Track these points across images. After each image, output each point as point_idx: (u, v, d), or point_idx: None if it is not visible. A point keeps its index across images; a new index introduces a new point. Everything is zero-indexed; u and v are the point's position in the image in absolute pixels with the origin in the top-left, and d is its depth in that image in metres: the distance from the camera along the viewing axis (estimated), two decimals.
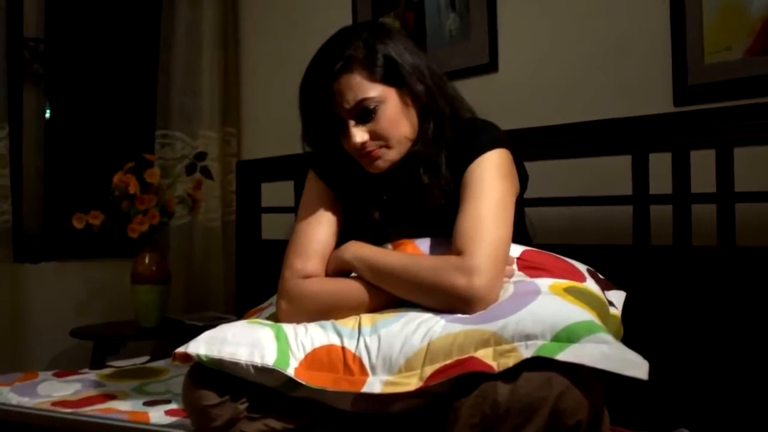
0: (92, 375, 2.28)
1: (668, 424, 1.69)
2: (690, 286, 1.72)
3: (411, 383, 1.26)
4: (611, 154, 1.94)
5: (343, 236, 1.59)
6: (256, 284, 2.79)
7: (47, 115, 3.50)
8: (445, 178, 1.51)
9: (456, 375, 1.21)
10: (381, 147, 1.48)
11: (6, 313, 3.09)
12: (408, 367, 1.28)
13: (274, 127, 3.26)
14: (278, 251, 1.60)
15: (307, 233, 1.57)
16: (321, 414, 1.38)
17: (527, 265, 1.47)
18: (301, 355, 1.36)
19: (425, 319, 1.33)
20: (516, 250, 1.50)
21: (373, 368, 1.31)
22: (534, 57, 2.41)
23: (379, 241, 1.54)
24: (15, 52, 3.23)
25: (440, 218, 1.49)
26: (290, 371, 1.33)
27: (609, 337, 1.19)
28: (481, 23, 2.55)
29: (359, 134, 1.47)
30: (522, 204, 1.63)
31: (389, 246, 1.53)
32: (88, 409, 1.87)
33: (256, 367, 1.35)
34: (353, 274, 1.50)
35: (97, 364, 2.88)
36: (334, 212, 1.60)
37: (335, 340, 1.37)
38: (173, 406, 1.86)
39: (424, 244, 1.51)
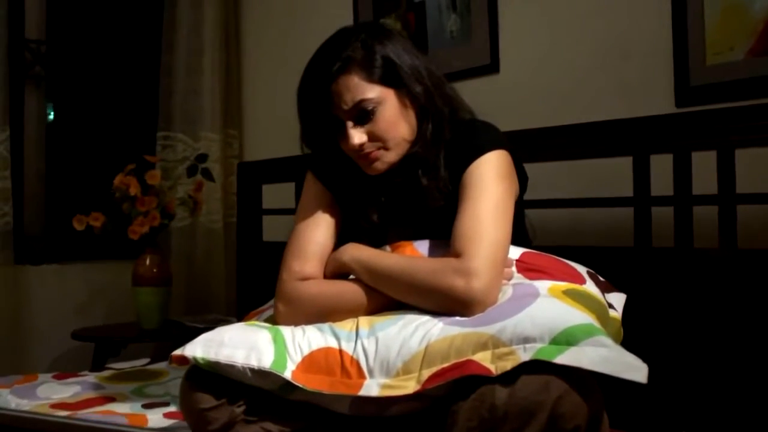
0: (92, 377, 2.29)
1: (669, 427, 1.68)
2: (691, 289, 1.71)
3: (408, 386, 1.25)
4: (612, 156, 1.93)
5: (341, 238, 1.58)
6: (257, 286, 2.78)
7: (50, 117, 3.50)
8: (443, 180, 1.49)
9: (454, 378, 1.20)
10: (379, 148, 1.47)
11: (7, 315, 3.09)
12: (405, 370, 1.26)
13: (277, 128, 3.24)
14: (279, 253, 1.59)
15: (304, 235, 1.56)
16: (318, 417, 1.38)
17: (526, 267, 1.46)
18: (298, 358, 1.35)
19: (423, 322, 1.32)
20: (515, 252, 1.49)
21: (370, 371, 1.29)
22: (535, 58, 2.41)
23: (377, 243, 1.53)
24: (16, 53, 3.23)
25: (439, 220, 1.48)
26: (287, 374, 1.32)
27: (608, 340, 1.17)
28: (482, 24, 2.54)
29: (357, 135, 1.46)
30: (521, 206, 1.62)
31: (388, 248, 1.52)
32: (86, 412, 1.87)
33: (252, 370, 1.34)
34: (351, 277, 1.49)
35: (98, 366, 2.87)
36: (333, 214, 1.58)
37: (333, 343, 1.36)
38: (172, 408, 1.86)
39: (422, 246, 1.50)
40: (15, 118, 3.17)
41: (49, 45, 3.39)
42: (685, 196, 1.74)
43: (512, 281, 1.42)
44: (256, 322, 1.53)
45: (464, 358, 1.22)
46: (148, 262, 3.01)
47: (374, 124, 1.46)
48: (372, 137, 1.46)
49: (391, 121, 1.46)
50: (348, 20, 2.97)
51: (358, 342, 1.33)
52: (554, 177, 2.11)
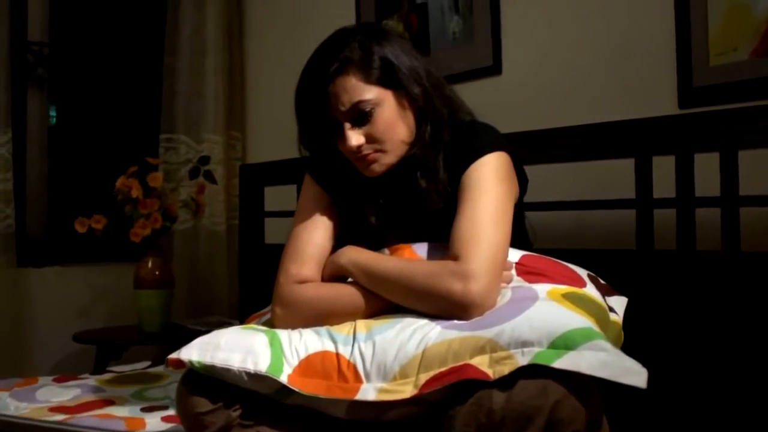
0: (92, 380, 2.28)
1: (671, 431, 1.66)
2: (694, 292, 1.69)
3: (405, 391, 1.23)
4: (614, 157, 1.91)
5: (340, 241, 1.56)
6: (259, 289, 2.77)
7: (53, 119, 3.50)
8: (442, 182, 1.48)
9: (451, 382, 1.19)
10: (377, 150, 1.46)
11: (9, 317, 3.08)
12: (403, 374, 1.25)
13: (280, 130, 3.21)
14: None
15: (302, 238, 1.55)
16: (315, 421, 1.36)
17: (526, 270, 1.44)
18: (294, 362, 1.34)
19: (421, 326, 1.30)
20: (515, 254, 1.48)
21: (367, 375, 1.28)
22: (538, 59, 2.39)
23: (376, 246, 1.52)
24: (19, 56, 3.22)
25: (438, 222, 1.46)
26: (283, 378, 1.31)
27: (607, 344, 1.16)
28: (484, 26, 2.53)
29: (355, 137, 1.45)
30: (522, 208, 1.61)
31: (386, 251, 1.51)
32: (85, 415, 1.86)
33: (248, 374, 1.33)
34: (349, 280, 1.47)
35: (99, 368, 2.87)
36: (331, 216, 1.57)
37: (330, 347, 1.34)
38: (170, 412, 1.85)
39: (421, 249, 1.48)
40: (17, 120, 3.16)
41: (51, 47, 3.39)
42: (688, 198, 1.72)
43: (511, 284, 1.41)
44: (253, 326, 1.52)
45: (462, 362, 1.21)
46: (150, 264, 3.00)
47: (372, 125, 1.44)
48: (370, 139, 1.45)
49: (389, 123, 1.45)
50: (350, 21, 2.94)
51: (355, 346, 1.32)
52: (555, 179, 2.09)
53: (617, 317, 1.48)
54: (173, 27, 3.43)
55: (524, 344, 1.18)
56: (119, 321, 3.26)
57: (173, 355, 1.40)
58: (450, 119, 1.53)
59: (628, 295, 1.60)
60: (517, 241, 1.51)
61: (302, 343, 1.36)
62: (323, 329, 1.39)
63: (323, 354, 1.33)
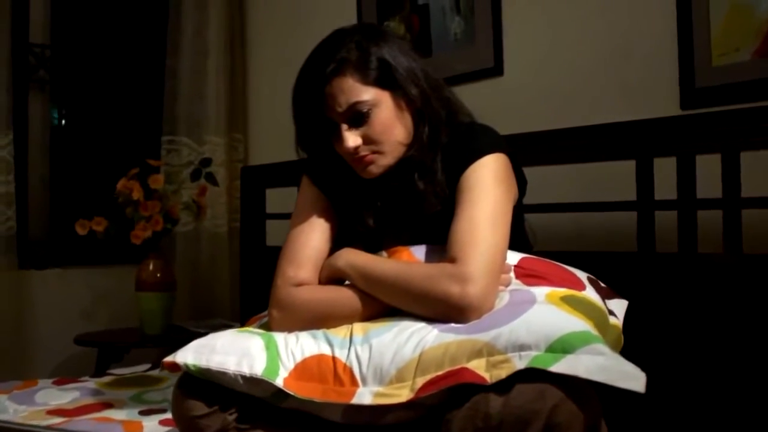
0: (91, 383, 2.27)
1: None
2: (696, 295, 1.67)
3: (402, 395, 1.22)
4: (615, 159, 1.90)
5: (337, 243, 1.55)
6: (261, 291, 2.75)
7: (59, 122, 3.50)
8: (440, 184, 1.46)
9: (448, 386, 1.18)
10: (374, 152, 1.45)
11: (10, 320, 3.08)
12: (399, 378, 1.24)
13: (282, 132, 3.20)
14: None
15: (299, 240, 1.53)
16: (312, 425, 1.35)
17: (525, 273, 1.43)
18: (290, 365, 1.33)
19: (418, 329, 1.29)
20: (514, 257, 1.46)
21: (363, 379, 1.27)
22: (539, 60, 2.38)
23: (374, 248, 1.51)
24: (20, 57, 3.22)
25: (436, 225, 1.45)
26: (279, 381, 1.30)
27: (605, 348, 1.14)
28: (486, 27, 2.52)
29: (352, 138, 1.44)
30: (521, 210, 1.59)
31: (384, 253, 1.50)
32: (82, 418, 1.86)
33: (244, 377, 1.32)
34: (347, 282, 1.46)
35: (101, 371, 2.86)
36: (328, 219, 1.56)
37: (326, 350, 1.33)
38: (168, 415, 1.84)
39: (419, 252, 1.47)
40: (19, 122, 3.16)
41: (53, 49, 3.39)
42: (689, 200, 1.71)
43: (510, 287, 1.39)
44: (250, 329, 1.51)
45: (458, 366, 1.19)
46: (151, 267, 2.99)
47: (369, 126, 1.43)
48: (367, 140, 1.44)
49: (386, 124, 1.44)
50: (352, 22, 2.93)
51: (352, 349, 1.31)
52: (556, 180, 2.08)
53: (617, 321, 1.47)
54: (175, 28, 3.42)
55: (521, 348, 1.17)
56: (121, 323, 3.25)
57: (168, 358, 1.40)
58: (448, 121, 1.51)
59: (629, 298, 1.58)
60: (516, 244, 1.49)
61: (298, 347, 1.35)
62: (320, 332, 1.38)
63: (319, 357, 1.32)
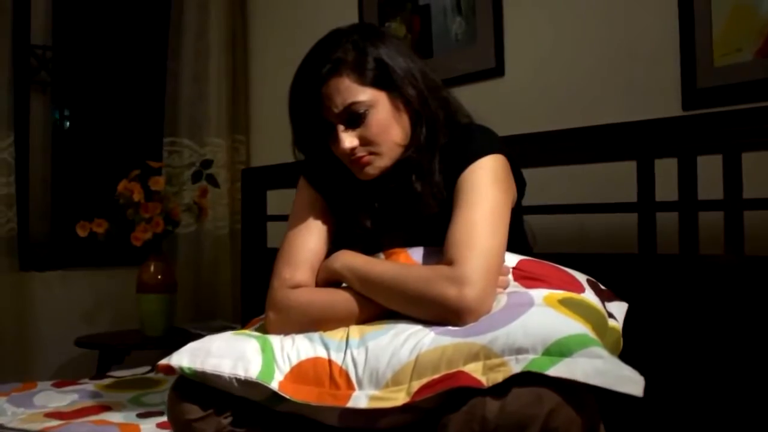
0: (90, 385, 2.27)
1: None
2: (697, 296, 1.66)
3: (398, 398, 1.21)
4: (615, 160, 1.89)
5: (335, 245, 1.54)
6: (262, 293, 2.74)
7: (60, 123, 3.50)
8: (438, 186, 1.45)
9: (444, 390, 1.16)
10: (371, 153, 1.43)
11: (12, 322, 3.08)
12: (395, 381, 1.22)
13: (284, 133, 3.19)
14: None
15: (296, 242, 1.52)
16: (308, 429, 1.34)
17: (523, 276, 1.41)
18: (286, 368, 1.32)
19: (414, 332, 1.28)
20: (512, 259, 1.45)
21: (359, 382, 1.26)
22: (541, 61, 2.37)
23: (371, 250, 1.49)
24: (22, 59, 3.22)
25: (434, 226, 1.43)
26: (274, 384, 1.29)
27: (603, 351, 1.13)
28: (487, 27, 2.50)
29: (348, 139, 1.42)
30: (520, 211, 1.58)
31: (381, 255, 1.48)
32: (80, 421, 1.85)
33: (239, 380, 1.31)
34: (344, 285, 1.45)
35: (102, 373, 2.85)
36: (325, 221, 1.55)
37: (322, 353, 1.32)
38: (166, 418, 1.83)
39: (417, 254, 1.46)
40: (20, 123, 3.15)
41: (54, 51, 3.38)
42: (691, 202, 1.69)
43: (508, 290, 1.38)
44: (246, 331, 1.49)
45: (455, 369, 1.18)
46: (152, 268, 2.99)
47: (366, 127, 1.42)
48: (363, 141, 1.43)
49: (383, 125, 1.43)
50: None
51: (348, 352, 1.30)
52: (557, 182, 2.07)
53: (616, 323, 1.45)
54: (176, 30, 3.42)
55: (518, 351, 1.15)
56: (122, 325, 3.25)
57: (163, 361, 1.39)
58: (446, 122, 1.50)
59: (630, 299, 1.57)
60: (515, 246, 1.48)
61: (294, 349, 1.34)
62: (316, 335, 1.37)
63: (315, 360, 1.31)
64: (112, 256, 3.30)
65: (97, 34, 3.62)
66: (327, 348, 1.32)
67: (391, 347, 1.26)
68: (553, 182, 2.05)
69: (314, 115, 1.44)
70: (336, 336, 1.35)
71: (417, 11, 2.75)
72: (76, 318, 3.25)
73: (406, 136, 1.47)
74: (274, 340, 1.39)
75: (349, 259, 1.44)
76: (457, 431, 1.12)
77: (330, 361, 1.30)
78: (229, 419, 1.33)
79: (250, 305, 2.86)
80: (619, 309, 1.51)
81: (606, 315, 1.40)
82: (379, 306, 1.38)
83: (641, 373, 1.09)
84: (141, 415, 1.89)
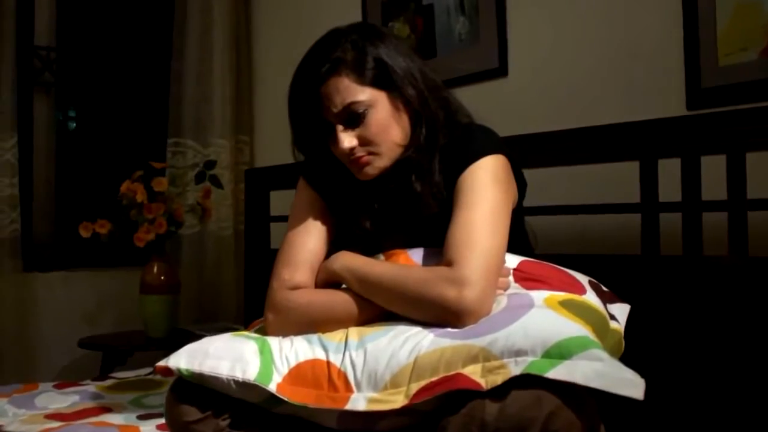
0: (92, 387, 2.27)
1: None
2: (701, 298, 1.64)
3: (396, 401, 1.20)
4: (618, 160, 1.87)
5: (335, 246, 1.53)
6: (265, 294, 2.74)
7: (64, 124, 3.49)
8: (438, 186, 1.44)
9: (442, 392, 1.15)
10: (370, 153, 1.42)
11: (15, 323, 3.08)
12: (394, 383, 1.21)
13: (288, 134, 3.20)
14: None
15: (295, 243, 1.51)
16: (306, 431, 1.33)
17: (524, 277, 1.40)
18: (284, 370, 1.31)
19: (413, 334, 1.26)
20: (513, 260, 1.43)
21: (358, 384, 1.25)
22: (544, 61, 2.35)
23: (371, 251, 1.48)
24: (25, 60, 3.22)
25: (434, 227, 1.42)
26: (272, 386, 1.28)
27: (603, 354, 1.11)
28: (490, 27, 2.49)
29: (347, 139, 1.41)
30: (521, 212, 1.56)
31: (381, 256, 1.47)
32: (80, 422, 1.84)
33: (237, 382, 1.30)
34: (343, 286, 1.44)
35: (105, 374, 2.85)
36: (325, 221, 1.54)
37: (320, 355, 1.31)
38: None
39: (417, 255, 1.44)
40: (24, 124, 3.15)
41: (58, 51, 3.38)
42: (694, 202, 1.68)
43: (508, 291, 1.36)
44: (245, 333, 1.49)
45: (454, 372, 1.17)
46: (155, 269, 2.98)
47: (365, 127, 1.41)
48: (363, 141, 1.42)
49: (382, 125, 1.41)
50: None
51: (347, 354, 1.29)
52: (559, 182, 2.06)
53: (618, 325, 1.43)
54: (180, 31, 3.42)
55: (518, 353, 1.14)
56: (126, 326, 3.24)
57: (161, 363, 1.39)
58: (446, 122, 1.49)
59: (633, 301, 1.55)
60: (517, 247, 1.47)
61: (293, 351, 1.33)
62: (315, 337, 1.36)
63: (314, 362, 1.30)
64: (116, 257, 3.30)
65: (100, 35, 3.62)
66: (326, 350, 1.31)
67: (390, 349, 1.25)
68: (556, 183, 2.04)
69: (313, 115, 1.43)
70: (335, 338, 1.34)
71: (420, 11, 2.74)
72: (79, 319, 3.24)
73: (406, 136, 1.46)
74: (273, 341, 1.38)
75: (348, 260, 1.43)
76: None
77: (328, 363, 1.29)
78: (228, 421, 1.32)
79: (254, 306, 2.85)
80: (621, 311, 1.49)
81: (607, 317, 1.39)
82: (378, 307, 1.37)
83: (644, 375, 1.08)
84: (141, 417, 1.88)
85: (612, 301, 1.49)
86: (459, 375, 1.16)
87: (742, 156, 1.60)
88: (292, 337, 1.38)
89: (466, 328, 1.24)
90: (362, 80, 1.40)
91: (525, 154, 1.81)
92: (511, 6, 2.44)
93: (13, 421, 1.90)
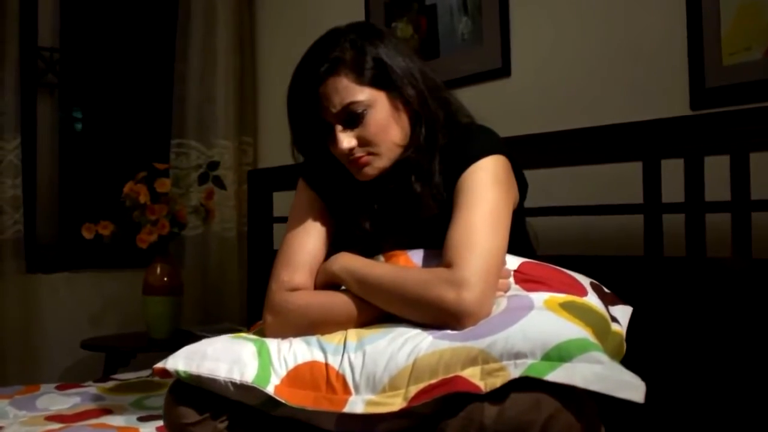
0: (94, 388, 2.26)
1: None
2: (704, 300, 1.63)
3: (395, 403, 1.18)
4: (621, 161, 1.86)
5: (334, 247, 1.52)
6: None
7: (67, 125, 3.49)
8: (438, 187, 1.43)
9: (441, 395, 1.14)
10: (369, 153, 1.41)
11: (18, 324, 3.07)
12: (392, 386, 1.20)
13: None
14: None
15: (295, 244, 1.50)
16: None
17: (525, 279, 1.38)
18: (283, 372, 1.30)
19: (412, 336, 1.25)
20: (514, 262, 1.42)
21: (356, 387, 1.23)
22: (547, 61, 2.34)
23: (371, 253, 1.47)
24: (29, 61, 3.22)
25: (434, 228, 1.40)
26: (270, 389, 1.27)
27: (603, 356, 1.10)
28: (493, 27, 2.48)
29: (346, 140, 1.40)
30: (522, 213, 1.55)
31: (381, 258, 1.46)
32: (80, 424, 1.84)
33: (234, 384, 1.29)
34: (343, 287, 1.43)
35: (108, 375, 2.85)
36: (324, 222, 1.52)
37: (319, 357, 1.30)
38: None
39: (417, 256, 1.43)
40: (27, 125, 3.15)
41: (62, 52, 3.38)
42: (698, 203, 1.66)
43: (509, 293, 1.35)
44: (244, 335, 1.48)
45: (452, 374, 1.16)
46: (158, 271, 2.98)
47: (364, 127, 1.40)
48: (362, 141, 1.40)
49: (381, 125, 1.40)
50: None
51: (345, 356, 1.28)
52: (561, 183, 2.04)
53: (619, 327, 1.42)
54: (184, 32, 3.42)
55: (517, 356, 1.13)
56: (129, 327, 3.24)
57: (159, 365, 1.38)
58: (446, 122, 1.47)
59: (635, 303, 1.53)
60: (518, 248, 1.46)
61: (291, 353, 1.32)
62: (313, 338, 1.35)
63: (312, 364, 1.29)
64: (119, 258, 3.29)
65: (104, 36, 3.62)
66: (324, 352, 1.30)
67: (389, 351, 1.24)
68: (558, 183, 2.03)
69: (312, 115, 1.42)
70: (333, 339, 1.33)
71: (423, 11, 2.73)
72: (82, 320, 3.24)
73: (405, 136, 1.44)
74: (271, 343, 1.37)
75: (347, 262, 1.42)
76: None
77: (327, 365, 1.28)
78: (225, 423, 1.32)
79: (257, 308, 2.83)
80: (623, 313, 1.48)
81: (609, 319, 1.38)
82: (377, 309, 1.36)
83: (646, 378, 1.07)
84: (142, 419, 1.88)
85: (614, 303, 1.48)
86: (458, 377, 1.15)
87: (745, 156, 1.59)
88: (291, 338, 1.38)
89: (466, 330, 1.23)
90: (361, 80, 1.39)
91: (527, 154, 1.79)
92: (514, 6, 2.43)
93: (13, 423, 1.90)
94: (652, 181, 1.74)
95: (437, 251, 1.39)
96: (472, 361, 1.16)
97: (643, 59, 2.08)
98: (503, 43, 2.45)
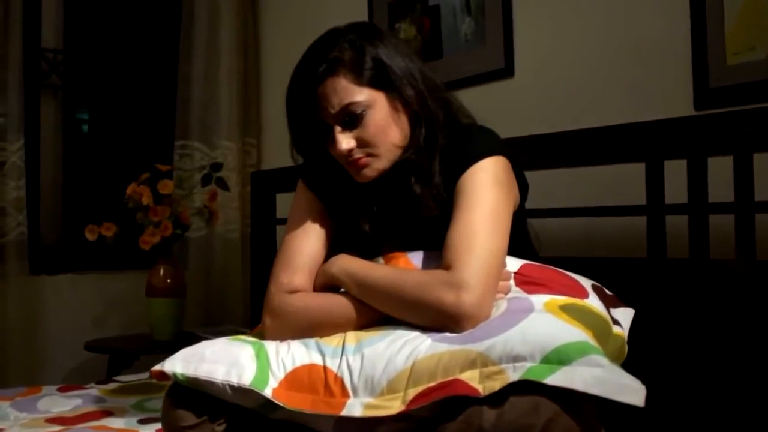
0: (95, 390, 2.25)
1: None
2: (707, 302, 1.61)
3: (393, 407, 1.17)
4: (624, 162, 1.85)
5: (334, 249, 1.51)
6: None
7: (71, 126, 3.49)
8: (437, 188, 1.41)
9: (440, 398, 1.13)
10: (368, 154, 1.40)
11: (22, 325, 3.07)
12: (391, 389, 1.19)
13: None
14: None
15: (294, 246, 1.49)
16: None
17: (525, 281, 1.37)
18: (281, 375, 1.29)
19: (411, 338, 1.24)
20: (514, 264, 1.41)
21: (354, 389, 1.22)
22: (550, 61, 2.33)
23: (370, 255, 1.46)
24: (32, 62, 3.22)
25: (434, 230, 1.39)
26: (268, 391, 1.26)
27: (603, 360, 1.09)
28: (496, 28, 2.47)
29: (345, 141, 1.39)
30: (523, 215, 1.54)
31: (381, 259, 1.45)
32: (80, 426, 1.83)
33: (232, 387, 1.28)
34: (342, 290, 1.42)
35: (111, 377, 2.84)
36: (323, 224, 1.51)
37: (317, 359, 1.29)
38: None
39: (416, 258, 1.42)
40: (30, 127, 3.15)
41: (65, 54, 3.38)
42: (701, 204, 1.65)
43: (509, 295, 1.34)
44: (243, 337, 1.47)
45: (451, 377, 1.15)
46: (161, 272, 2.98)
47: (363, 128, 1.39)
48: (361, 143, 1.39)
49: (380, 126, 1.39)
50: None
51: (344, 358, 1.26)
52: (563, 184, 2.03)
53: (621, 330, 1.40)
54: (187, 33, 3.42)
55: (516, 359, 1.12)
56: (133, 329, 3.23)
57: (157, 367, 1.37)
58: (446, 122, 1.46)
59: (638, 305, 1.52)
60: (519, 250, 1.44)
61: (289, 356, 1.31)
62: (312, 341, 1.34)
63: (310, 367, 1.28)
64: (122, 260, 3.29)
65: (107, 37, 3.62)
66: (323, 354, 1.29)
67: (387, 354, 1.23)
68: (561, 184, 2.01)
69: (311, 116, 1.41)
70: (332, 342, 1.31)
71: (426, 12, 2.72)
72: (86, 322, 3.24)
73: (405, 137, 1.43)
74: (270, 346, 1.36)
75: (346, 264, 1.41)
76: None
77: (325, 368, 1.27)
78: (223, 426, 1.31)
79: (260, 310, 2.82)
80: (624, 315, 1.46)
81: (610, 321, 1.36)
82: (377, 311, 1.35)
83: (648, 381, 1.06)
84: (142, 421, 1.87)
85: (615, 306, 1.46)
86: (456, 381, 1.14)
87: (749, 157, 1.57)
88: (290, 341, 1.37)
89: (465, 332, 1.22)
90: (360, 80, 1.38)
91: (530, 155, 1.78)
92: (517, 6, 2.42)
93: (14, 425, 1.90)
94: (654, 182, 1.72)
95: (437, 253, 1.38)
96: (471, 364, 1.14)
97: (647, 59, 2.07)
98: (506, 43, 2.44)
